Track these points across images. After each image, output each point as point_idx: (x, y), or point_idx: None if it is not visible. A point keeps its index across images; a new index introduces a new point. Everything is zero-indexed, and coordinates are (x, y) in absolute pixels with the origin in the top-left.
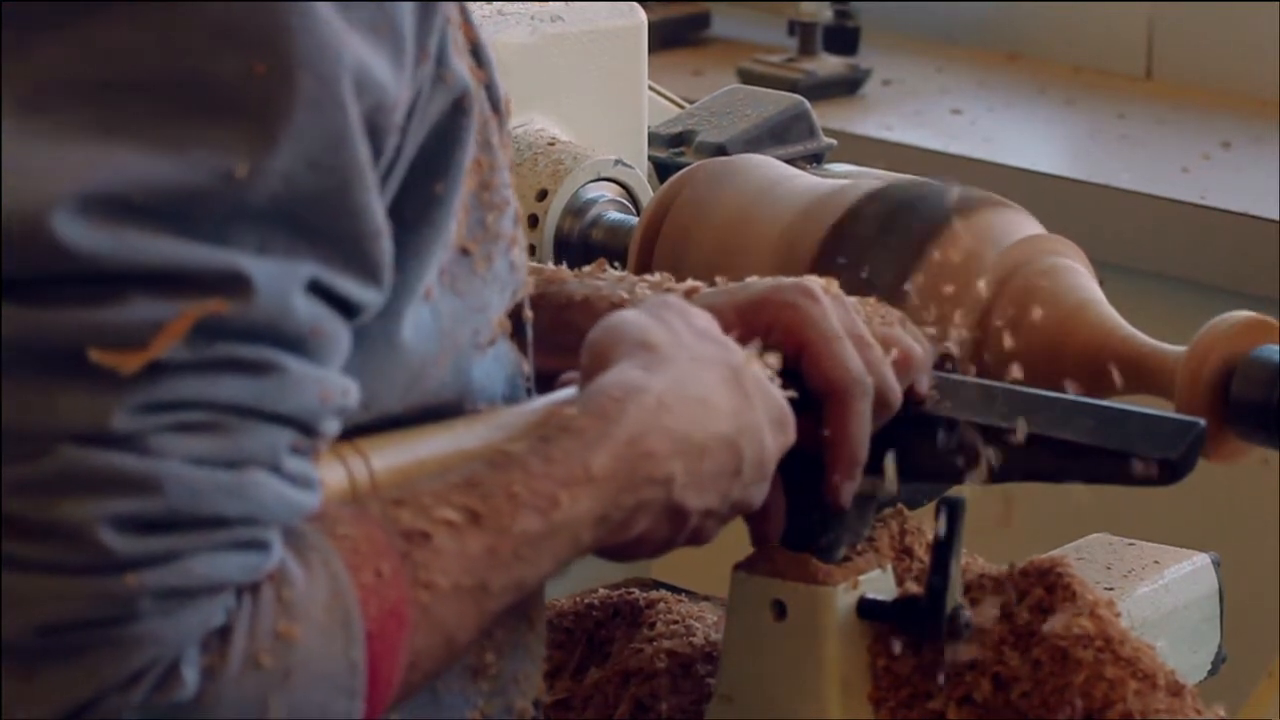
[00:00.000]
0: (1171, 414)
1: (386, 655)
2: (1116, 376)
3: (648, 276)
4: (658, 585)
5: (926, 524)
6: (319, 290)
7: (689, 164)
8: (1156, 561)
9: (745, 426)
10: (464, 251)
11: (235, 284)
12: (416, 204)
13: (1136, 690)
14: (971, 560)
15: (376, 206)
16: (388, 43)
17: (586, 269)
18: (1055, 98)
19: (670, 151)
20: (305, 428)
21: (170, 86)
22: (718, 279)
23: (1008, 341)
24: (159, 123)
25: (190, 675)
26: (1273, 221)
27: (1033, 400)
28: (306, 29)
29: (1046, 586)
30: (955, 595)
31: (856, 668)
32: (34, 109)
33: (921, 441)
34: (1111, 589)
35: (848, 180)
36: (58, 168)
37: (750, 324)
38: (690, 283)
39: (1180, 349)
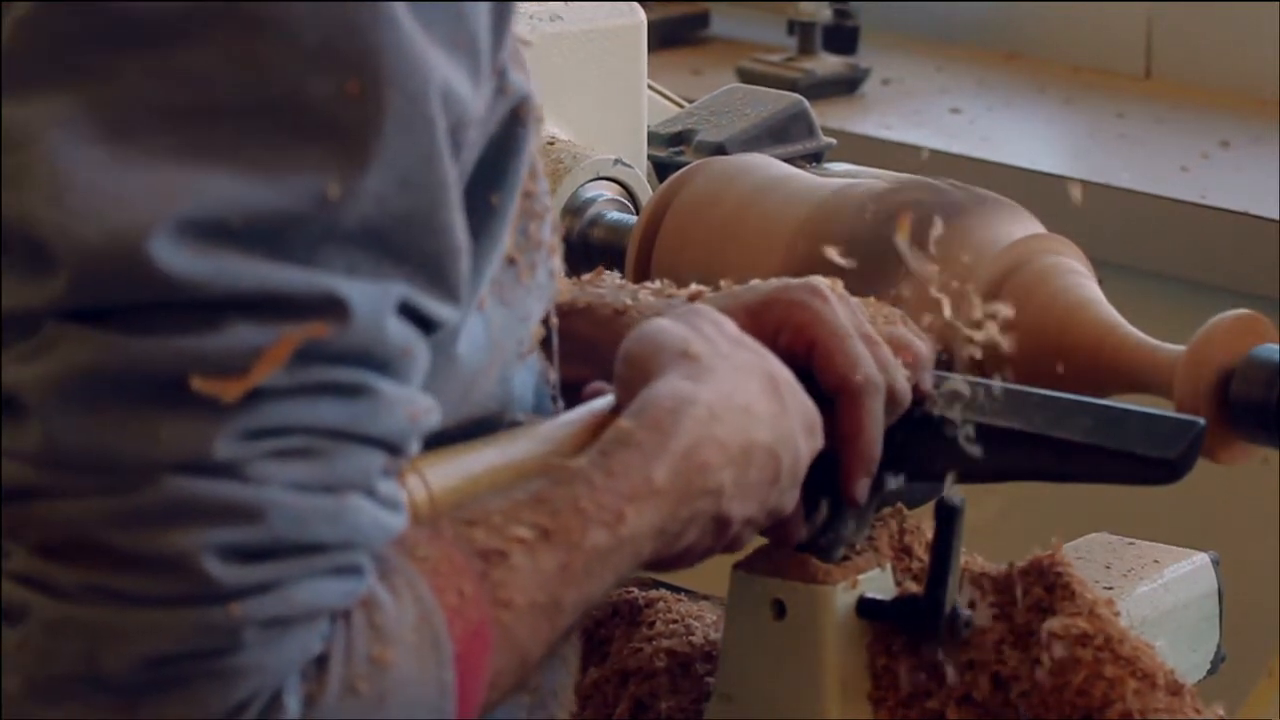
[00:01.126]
0: (1171, 413)
1: (471, 676)
2: (1115, 376)
3: (648, 284)
4: (657, 584)
5: (926, 523)
6: (406, 310)
7: (688, 163)
8: (1156, 561)
9: (783, 434)
10: (510, 261)
11: (333, 307)
12: (475, 216)
13: (1136, 689)
14: (971, 559)
15: (460, 223)
16: (466, 58)
17: (586, 277)
18: (1054, 97)
19: (669, 151)
20: (395, 449)
21: (261, 109)
22: (722, 283)
23: (1006, 341)
24: (251, 146)
25: (292, 704)
26: (1272, 221)
27: (1032, 399)
28: (397, 47)
29: (1046, 586)
30: (954, 594)
31: (855, 667)
32: (124, 134)
33: (923, 440)
34: (1111, 588)
35: (848, 180)
36: (153, 193)
37: (760, 324)
38: (694, 287)
39: (1179, 348)
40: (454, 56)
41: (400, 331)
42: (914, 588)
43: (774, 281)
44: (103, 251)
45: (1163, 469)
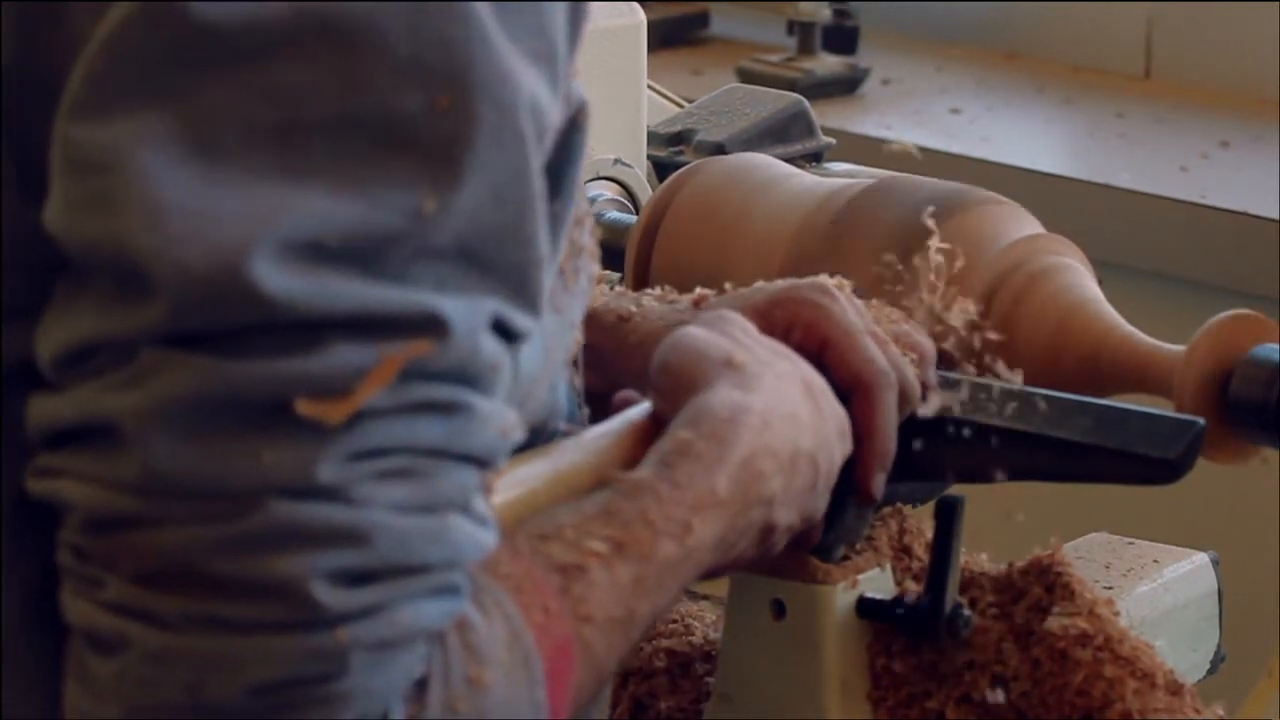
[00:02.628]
0: (1170, 413)
1: (559, 692)
2: (1115, 376)
3: (649, 290)
4: None
5: (925, 523)
6: (495, 324)
7: (688, 163)
8: (1156, 560)
9: (822, 439)
10: (559, 268)
11: (434, 325)
12: None
13: (1135, 689)
14: (970, 559)
15: (544, 234)
16: (547, 68)
17: None
18: (1054, 97)
19: (669, 150)
20: (487, 464)
21: (354, 124)
22: (727, 286)
23: (1006, 341)
24: (344, 162)
25: None
26: (1271, 220)
27: (1032, 399)
28: (487, 59)
29: (1045, 585)
30: (954, 594)
31: (855, 667)
32: (216, 154)
33: (924, 439)
34: (1111, 588)
35: (848, 180)
36: (250, 214)
37: (771, 325)
38: (698, 291)
39: (1179, 348)
40: (537, 67)
41: (491, 346)
42: (914, 588)
43: (781, 282)
44: (203, 275)
45: (1163, 469)
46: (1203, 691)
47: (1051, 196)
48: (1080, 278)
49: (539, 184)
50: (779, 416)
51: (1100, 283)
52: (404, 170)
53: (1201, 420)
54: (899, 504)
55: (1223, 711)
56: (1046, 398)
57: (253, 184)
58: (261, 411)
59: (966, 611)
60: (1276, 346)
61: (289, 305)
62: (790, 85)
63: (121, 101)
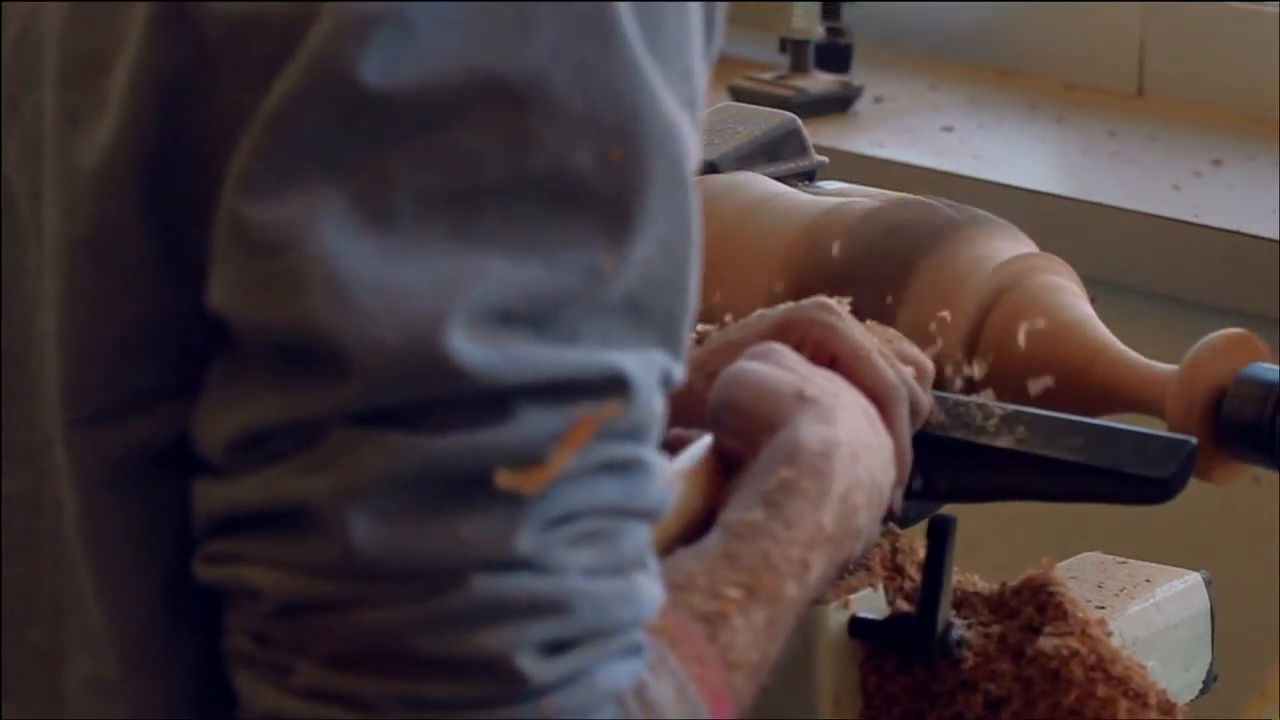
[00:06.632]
0: (1163, 432)
1: None
2: (1107, 395)
3: None
4: None
5: (918, 542)
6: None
7: None
8: (1148, 580)
9: (884, 466)
10: None
11: (619, 385)
12: None
13: (1128, 709)
14: (963, 578)
15: (696, 281)
16: (690, 113)
17: None
18: (1046, 114)
19: None
20: (656, 517)
21: (528, 185)
22: (727, 317)
23: (998, 360)
24: (521, 224)
25: None
26: (1265, 239)
27: (1024, 418)
28: (654, 110)
29: (1038, 605)
30: (946, 614)
31: (848, 687)
32: (396, 225)
33: (917, 458)
34: (1103, 607)
35: (842, 199)
36: (438, 285)
37: None
38: (700, 328)
39: (1172, 367)
40: (686, 112)
41: (659, 400)
42: (906, 607)
43: (782, 306)
44: (399, 351)
45: (1156, 488)
46: (1195, 711)
47: (1044, 215)
48: (1072, 296)
49: (700, 231)
50: (862, 447)
51: (1093, 301)
52: (580, 228)
53: (1194, 440)
54: (891, 523)
55: None
56: (1038, 417)
57: (433, 254)
58: (458, 485)
59: (959, 631)
60: (1269, 366)
61: (482, 376)
62: (783, 103)
63: (295, 177)
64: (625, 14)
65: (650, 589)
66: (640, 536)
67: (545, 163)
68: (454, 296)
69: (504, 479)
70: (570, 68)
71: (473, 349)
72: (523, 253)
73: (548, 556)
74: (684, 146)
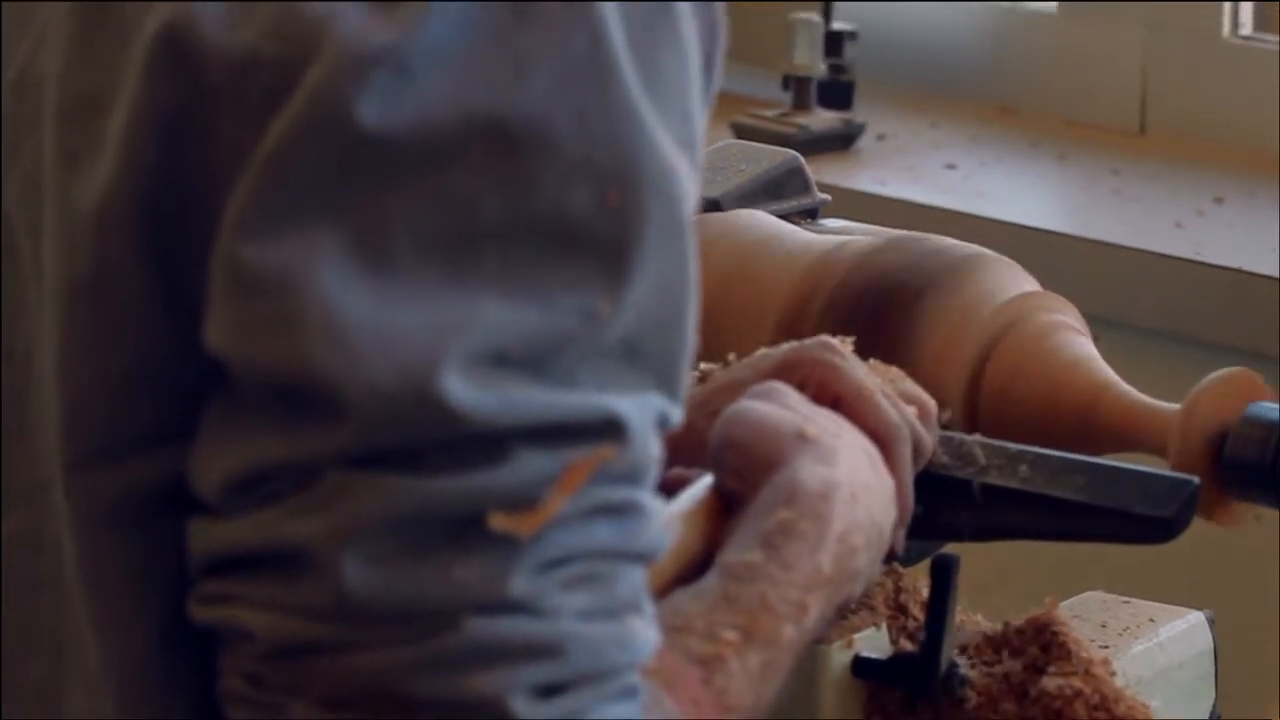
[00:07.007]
0: (1166, 472)
1: None
2: (1110, 434)
3: None
4: None
5: (921, 581)
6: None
7: None
8: (1151, 619)
9: (884, 506)
10: None
11: (614, 428)
12: None
13: None
14: (966, 618)
15: (694, 323)
16: (689, 154)
17: None
18: (1048, 152)
19: None
20: (652, 560)
21: (525, 228)
22: (730, 356)
23: (1000, 399)
24: (519, 267)
25: None
26: (1267, 277)
27: (1026, 458)
28: (652, 154)
29: (1041, 644)
30: (950, 653)
31: None
32: (393, 267)
33: (920, 498)
34: (1107, 647)
35: (845, 237)
36: (434, 327)
37: None
38: (703, 367)
39: (1174, 406)
40: (684, 154)
41: (655, 442)
42: (910, 647)
43: (785, 346)
44: (393, 394)
45: (1158, 527)
46: None
47: (1046, 253)
48: (1075, 335)
49: (697, 273)
50: (861, 488)
51: (1095, 340)
52: (577, 272)
53: (1197, 479)
54: (894, 563)
55: None
56: (1040, 456)
57: (430, 296)
58: (451, 528)
59: (963, 671)
60: (1271, 405)
61: (477, 419)
62: (785, 140)
63: (292, 219)
64: (624, 57)
65: (645, 632)
66: (635, 579)
67: (543, 205)
68: (450, 339)
69: (498, 522)
70: (568, 110)
71: (468, 392)
72: (520, 295)
73: (542, 599)
74: (682, 189)
